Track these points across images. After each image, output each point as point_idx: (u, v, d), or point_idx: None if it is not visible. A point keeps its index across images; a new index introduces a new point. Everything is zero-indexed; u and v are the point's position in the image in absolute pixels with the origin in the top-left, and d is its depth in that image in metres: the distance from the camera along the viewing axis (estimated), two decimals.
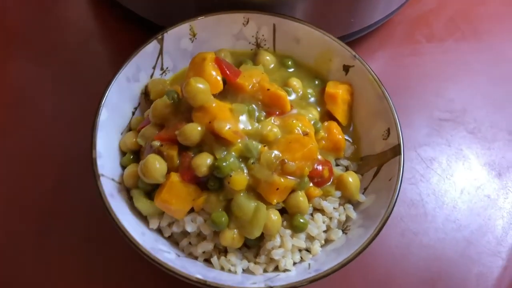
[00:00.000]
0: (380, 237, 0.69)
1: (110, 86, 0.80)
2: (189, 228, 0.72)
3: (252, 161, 0.71)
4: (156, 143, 0.72)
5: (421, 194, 0.91)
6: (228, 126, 0.70)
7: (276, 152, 0.70)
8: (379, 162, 0.77)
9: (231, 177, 0.69)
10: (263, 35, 0.86)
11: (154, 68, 0.85)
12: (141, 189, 0.75)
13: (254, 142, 0.71)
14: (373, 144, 0.79)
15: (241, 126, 0.72)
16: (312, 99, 0.84)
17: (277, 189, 0.70)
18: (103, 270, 0.83)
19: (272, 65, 0.87)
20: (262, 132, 0.73)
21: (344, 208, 0.77)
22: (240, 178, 0.70)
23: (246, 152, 0.71)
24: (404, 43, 1.13)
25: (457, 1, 1.10)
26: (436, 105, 1.00)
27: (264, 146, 0.72)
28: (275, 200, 0.71)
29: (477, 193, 0.94)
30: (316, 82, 0.86)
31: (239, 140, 0.71)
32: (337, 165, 0.80)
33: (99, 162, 0.75)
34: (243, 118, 0.73)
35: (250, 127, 0.72)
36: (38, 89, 0.93)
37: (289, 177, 0.71)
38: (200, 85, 0.73)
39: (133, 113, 0.85)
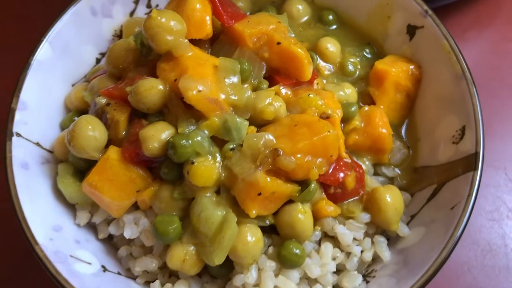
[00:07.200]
0: None
1: (62, 16, 0.59)
2: (128, 232, 0.55)
3: (231, 147, 0.53)
4: (101, 100, 0.56)
5: (504, 237, 0.68)
6: (200, 88, 0.48)
7: (268, 136, 0.51)
8: (441, 177, 0.57)
9: (192, 165, 0.51)
10: None
11: (136, 2, 0.66)
12: (71, 164, 0.56)
13: (239, 119, 0.53)
14: (437, 150, 0.60)
15: (226, 93, 0.52)
16: (356, 73, 0.64)
17: (259, 194, 0.50)
18: None
19: (306, 18, 0.67)
20: (256, 105, 0.54)
21: (372, 242, 0.56)
22: (206, 169, 0.52)
23: (224, 132, 0.53)
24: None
25: None
26: None
27: (256, 127, 0.53)
28: (254, 211, 0.52)
29: None
30: (367, 51, 0.66)
31: (217, 113, 0.52)
32: (376, 173, 0.60)
33: (18, 116, 0.55)
34: (231, 81, 0.54)
35: (237, 97, 0.53)
36: None
37: (283, 178, 0.50)
38: (167, 21, 0.52)
39: (98, 61, 0.63)
